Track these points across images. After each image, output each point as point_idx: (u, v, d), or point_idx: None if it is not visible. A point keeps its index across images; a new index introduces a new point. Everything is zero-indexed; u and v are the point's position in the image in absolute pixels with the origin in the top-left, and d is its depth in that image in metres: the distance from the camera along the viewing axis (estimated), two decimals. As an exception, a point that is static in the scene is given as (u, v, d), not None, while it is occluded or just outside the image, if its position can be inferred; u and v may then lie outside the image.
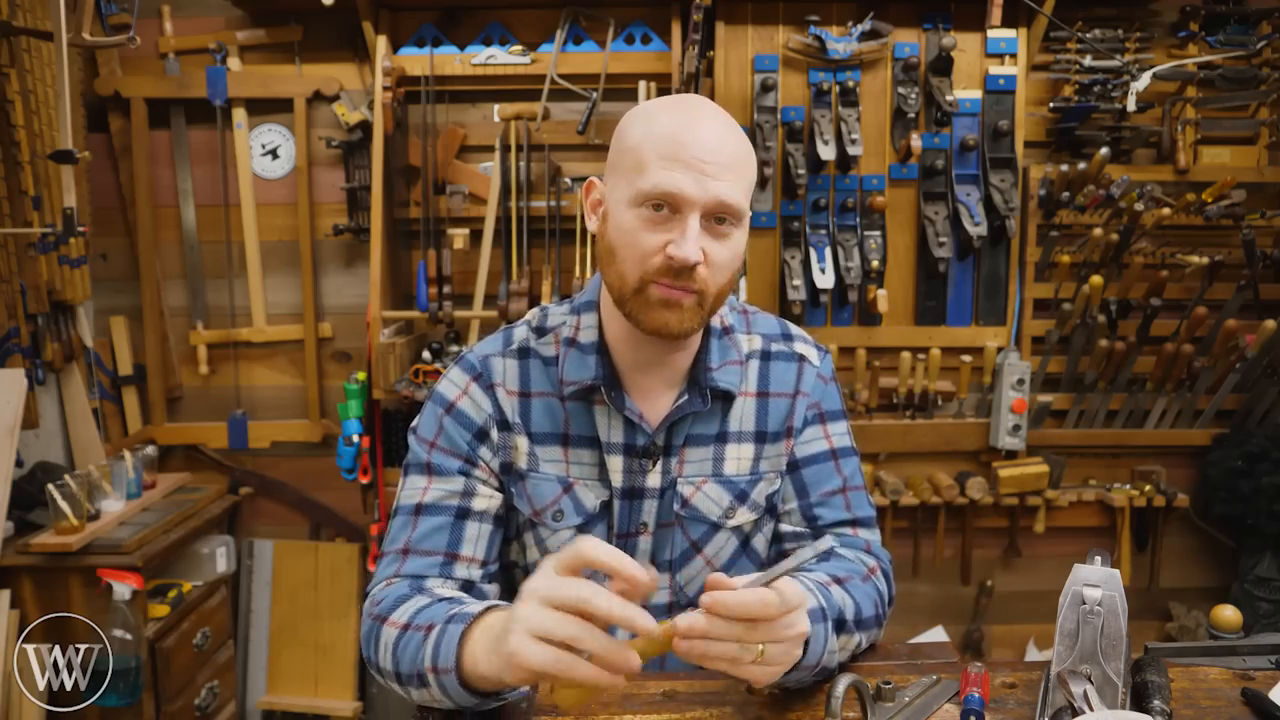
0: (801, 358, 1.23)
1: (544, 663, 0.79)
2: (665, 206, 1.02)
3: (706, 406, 1.15)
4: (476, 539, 1.13)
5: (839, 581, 1.08)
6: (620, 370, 1.15)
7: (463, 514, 1.12)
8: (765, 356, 1.21)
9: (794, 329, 1.27)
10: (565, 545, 0.91)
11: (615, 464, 1.14)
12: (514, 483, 1.16)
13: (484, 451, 1.15)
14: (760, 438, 1.19)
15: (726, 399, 1.17)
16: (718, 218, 1.04)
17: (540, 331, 1.19)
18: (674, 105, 1.08)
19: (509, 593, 1.14)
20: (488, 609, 0.94)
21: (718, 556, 1.19)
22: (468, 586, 1.11)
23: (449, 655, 0.91)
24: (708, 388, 1.15)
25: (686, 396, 1.14)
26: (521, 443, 1.15)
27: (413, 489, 1.14)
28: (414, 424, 1.19)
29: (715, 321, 1.18)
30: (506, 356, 1.18)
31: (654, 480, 1.15)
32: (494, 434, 1.15)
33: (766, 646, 0.87)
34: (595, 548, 0.82)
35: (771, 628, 0.87)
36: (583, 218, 2.60)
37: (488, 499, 1.14)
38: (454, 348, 2.68)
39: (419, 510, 1.12)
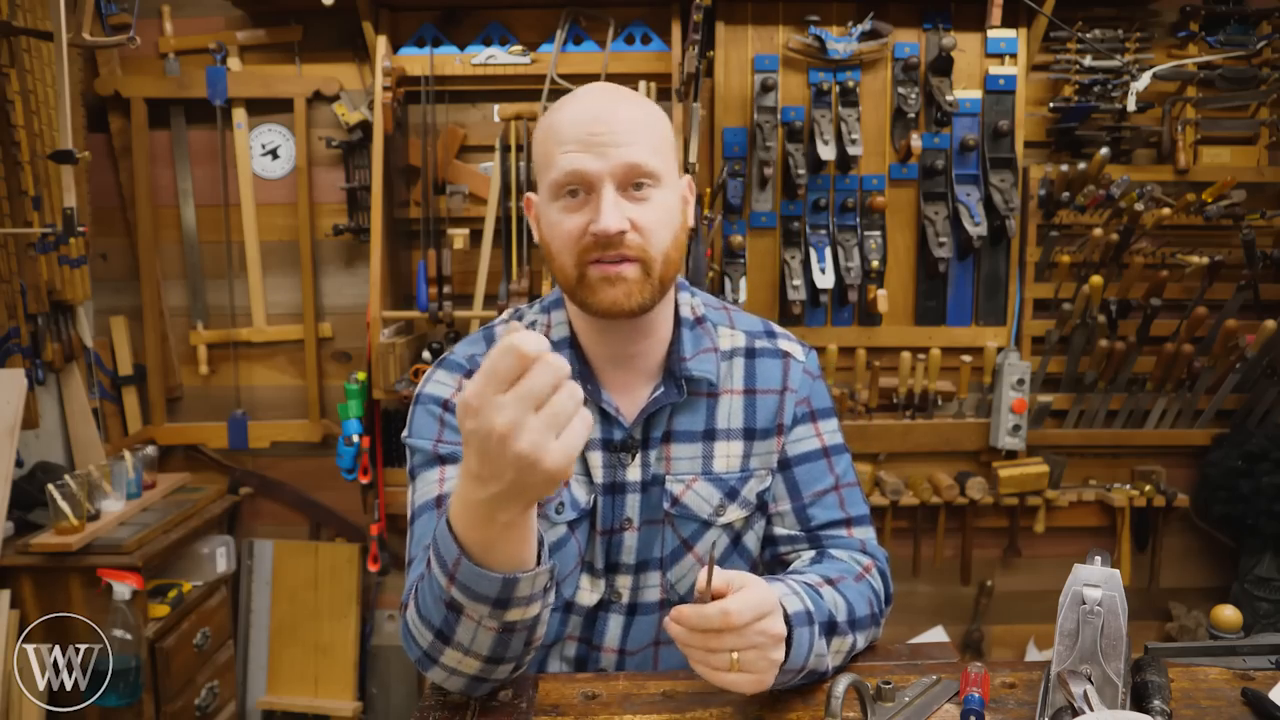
0: (786, 354, 1.23)
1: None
2: (579, 190, 1.05)
3: (683, 397, 1.15)
4: None
5: (830, 582, 1.08)
6: (594, 365, 1.16)
7: None
8: (750, 354, 1.22)
9: (777, 327, 1.27)
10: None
11: (595, 460, 1.15)
12: None
13: None
14: (749, 434, 1.19)
15: (710, 395, 1.17)
16: (634, 183, 1.05)
17: None
18: (568, 98, 1.11)
19: None
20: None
21: (708, 554, 1.18)
22: None
23: (450, 547, 0.86)
24: (683, 377, 1.15)
25: (663, 389, 1.15)
26: None
27: (427, 484, 1.10)
28: (406, 432, 1.15)
29: (686, 312, 1.19)
30: None
31: (634, 474, 1.15)
32: None
33: (741, 654, 0.89)
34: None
35: (741, 635, 0.88)
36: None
37: None
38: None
39: (440, 502, 1.08)
